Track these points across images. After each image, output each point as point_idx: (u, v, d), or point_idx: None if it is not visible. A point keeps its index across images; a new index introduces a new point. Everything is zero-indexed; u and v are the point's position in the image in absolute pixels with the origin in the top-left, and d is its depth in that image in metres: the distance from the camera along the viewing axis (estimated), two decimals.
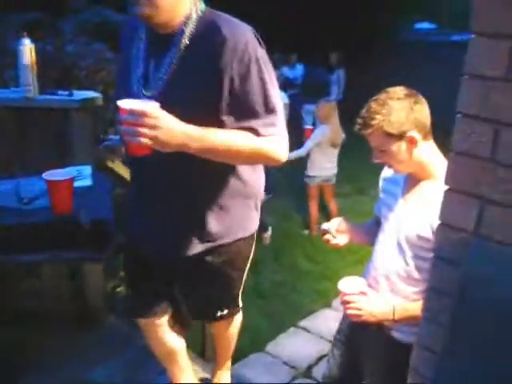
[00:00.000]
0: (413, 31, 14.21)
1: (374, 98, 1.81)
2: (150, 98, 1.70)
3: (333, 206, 5.90)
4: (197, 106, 1.69)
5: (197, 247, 1.94)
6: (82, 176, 2.09)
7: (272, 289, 4.80)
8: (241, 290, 2.23)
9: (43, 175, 1.83)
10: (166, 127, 1.52)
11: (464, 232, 1.26)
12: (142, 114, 1.48)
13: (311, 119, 7.17)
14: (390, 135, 1.75)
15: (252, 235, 2.12)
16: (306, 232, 5.88)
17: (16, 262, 1.89)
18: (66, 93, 2.46)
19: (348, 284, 1.89)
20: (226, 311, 2.22)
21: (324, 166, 5.67)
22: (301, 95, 8.33)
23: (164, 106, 1.56)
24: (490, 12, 1.17)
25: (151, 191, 1.92)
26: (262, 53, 1.73)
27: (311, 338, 3.95)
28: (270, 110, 1.72)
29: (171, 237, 1.94)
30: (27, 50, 2.24)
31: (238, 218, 1.99)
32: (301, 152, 5.57)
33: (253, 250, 2.17)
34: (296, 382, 3.44)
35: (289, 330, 4.06)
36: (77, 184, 1.98)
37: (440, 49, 10.62)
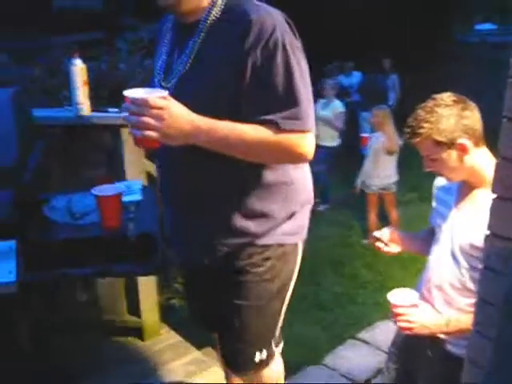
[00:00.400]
0: (473, 32, 13.83)
1: (422, 105, 1.77)
2: (167, 89, 1.59)
3: (393, 214, 5.78)
4: (214, 95, 1.57)
5: (221, 247, 1.77)
6: (132, 191, 2.13)
7: (331, 300, 4.74)
8: (279, 324, 1.98)
9: (92, 191, 1.87)
10: (172, 118, 1.42)
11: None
12: (145, 104, 1.39)
13: (369, 127, 7.08)
14: (439, 143, 1.71)
15: (294, 245, 1.87)
16: (366, 241, 5.78)
17: (68, 276, 1.94)
18: (116, 110, 2.53)
19: (399, 296, 1.85)
20: (264, 353, 1.93)
21: (379, 173, 5.57)
22: (358, 103, 8.24)
23: (180, 97, 1.48)
24: None
25: (174, 187, 1.80)
26: (292, 39, 1.57)
27: (370, 351, 3.86)
28: (293, 101, 1.55)
29: (196, 237, 1.80)
30: (78, 69, 2.31)
31: (275, 221, 1.77)
32: (367, 167, 5.56)
33: (296, 266, 1.90)
34: None
35: (347, 342, 3.99)
36: (127, 199, 2.02)
37: (501, 50, 10.27)
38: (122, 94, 1.44)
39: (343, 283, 5.01)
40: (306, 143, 1.61)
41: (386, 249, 2.05)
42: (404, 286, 1.88)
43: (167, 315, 3.19)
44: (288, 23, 1.59)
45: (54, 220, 1.95)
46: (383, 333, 4.03)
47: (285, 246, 1.83)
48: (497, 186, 1.23)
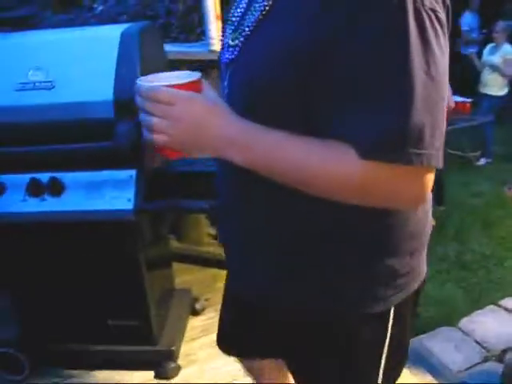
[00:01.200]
0: None
1: None
2: (233, 48, 1.07)
3: None
4: (278, 71, 0.94)
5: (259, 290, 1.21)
6: None
7: (476, 261, 4.44)
8: None
9: None
10: (186, 119, 0.95)
11: None
12: (148, 96, 0.96)
13: None
14: None
15: (383, 313, 1.16)
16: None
17: (183, 208, 1.99)
18: None
19: None
20: None
21: None
22: None
23: (244, 65, 1.03)
24: None
25: (226, 200, 1.25)
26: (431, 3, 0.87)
27: None
28: (399, 110, 0.85)
29: (237, 265, 1.29)
30: (211, 3, 2.28)
31: (350, 276, 1.11)
32: None
33: (381, 342, 1.19)
34: (486, 364, 3.16)
35: (487, 307, 3.73)
36: None
37: None
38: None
39: (491, 244, 4.66)
40: (416, 186, 0.93)
41: None
42: None
43: None
44: None
45: None
46: None
47: (366, 316, 1.15)
48: None
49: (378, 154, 0.87)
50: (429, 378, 2.94)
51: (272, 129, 0.95)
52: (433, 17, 0.87)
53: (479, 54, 6.69)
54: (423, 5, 0.85)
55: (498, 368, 3.05)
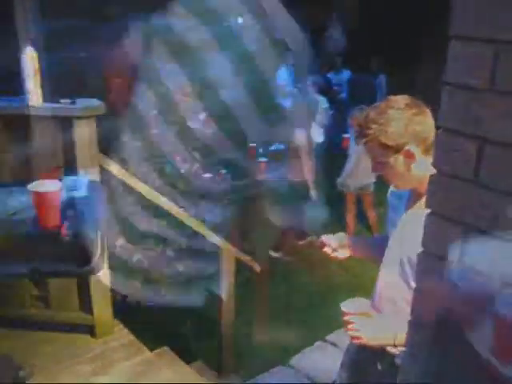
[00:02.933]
0: None
1: (374, 105, 1.69)
2: None
3: (371, 215, 5.72)
4: None
5: None
6: (78, 186, 2.03)
7: (304, 300, 4.70)
8: None
9: (28, 186, 1.74)
10: None
11: (446, 261, 1.12)
12: None
13: None
14: (386, 147, 1.62)
15: None
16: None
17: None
18: (69, 101, 2.43)
19: (352, 304, 1.79)
20: None
21: (358, 173, 5.50)
22: (345, 101, 8.11)
23: None
24: (471, 12, 1.03)
25: None
26: None
27: (338, 353, 3.80)
28: None
29: None
30: (29, 58, 2.22)
31: None
32: (348, 167, 5.49)
33: None
34: None
35: (316, 343, 3.93)
36: (71, 194, 1.92)
37: None
38: None
39: (317, 284, 4.96)
40: None
41: (333, 254, 2.04)
42: None
43: (122, 314, 3.11)
44: None
45: None
46: None
47: None
48: (431, 200, 1.16)
49: None
50: None
51: None
52: None
53: None
54: None
55: None
